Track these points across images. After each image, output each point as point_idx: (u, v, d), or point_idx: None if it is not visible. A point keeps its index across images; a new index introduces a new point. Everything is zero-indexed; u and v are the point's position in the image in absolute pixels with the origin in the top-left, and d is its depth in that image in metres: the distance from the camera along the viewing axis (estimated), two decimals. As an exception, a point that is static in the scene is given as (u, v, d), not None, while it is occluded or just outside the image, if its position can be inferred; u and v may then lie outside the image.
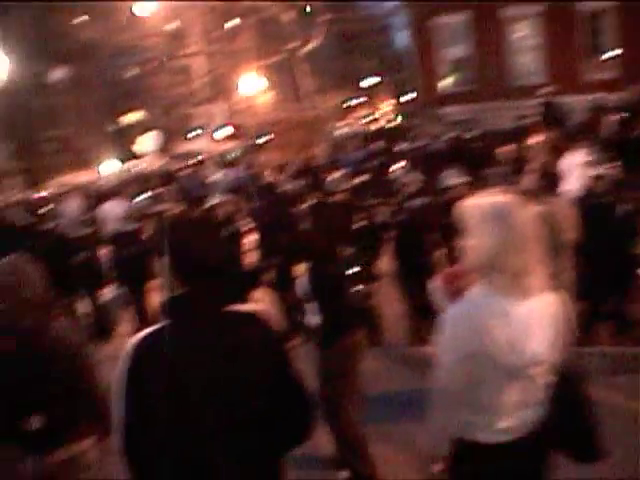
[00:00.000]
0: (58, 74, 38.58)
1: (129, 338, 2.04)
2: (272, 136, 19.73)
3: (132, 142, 38.60)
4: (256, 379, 1.98)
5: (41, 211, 10.46)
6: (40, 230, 10.36)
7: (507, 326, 2.08)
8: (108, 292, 9.36)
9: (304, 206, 5.19)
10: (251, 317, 2.07)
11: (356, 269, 4.02)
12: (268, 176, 13.67)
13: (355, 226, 6.28)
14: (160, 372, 1.91)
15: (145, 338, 1.98)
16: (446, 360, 2.21)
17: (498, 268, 2.12)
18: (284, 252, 6.95)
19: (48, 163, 49.29)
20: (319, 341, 4.10)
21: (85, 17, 28.43)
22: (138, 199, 14.95)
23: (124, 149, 41.35)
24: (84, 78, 45.28)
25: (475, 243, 2.17)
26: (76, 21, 29.43)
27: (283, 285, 7.44)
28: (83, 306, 9.33)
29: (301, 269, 4.21)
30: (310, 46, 27.43)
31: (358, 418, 4.08)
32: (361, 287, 4.12)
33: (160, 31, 26.29)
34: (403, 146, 17.97)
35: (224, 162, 25.36)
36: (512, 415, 2.18)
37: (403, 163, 10.31)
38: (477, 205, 2.20)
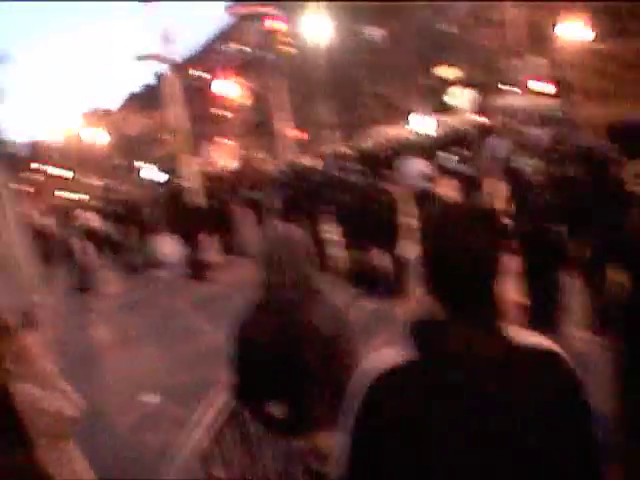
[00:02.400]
0: (377, 32, 39.73)
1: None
2: (600, 91, 17.42)
3: (445, 97, 38.34)
4: (543, 449, 1.38)
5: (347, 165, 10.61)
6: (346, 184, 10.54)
7: None
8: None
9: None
10: (548, 357, 1.46)
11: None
12: (590, 138, 12.20)
13: None
14: (402, 420, 1.42)
15: (389, 369, 1.49)
16: None
17: None
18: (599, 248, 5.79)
19: (366, 117, 51.90)
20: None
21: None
22: (442, 157, 14.58)
23: (437, 104, 41.40)
24: (401, 34, 46.25)
25: None
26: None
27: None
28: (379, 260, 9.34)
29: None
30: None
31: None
32: None
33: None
34: None
35: (541, 120, 23.70)
36: None
37: None
38: None
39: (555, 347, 1.48)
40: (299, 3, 29.32)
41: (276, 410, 2.66)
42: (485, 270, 1.47)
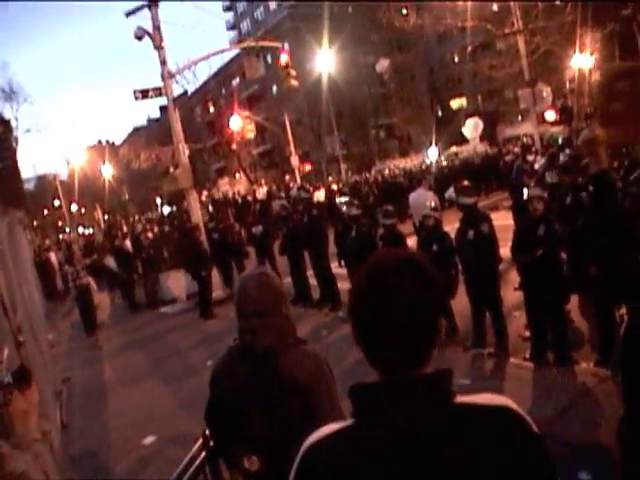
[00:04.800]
0: (384, 64, 40.08)
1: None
2: (610, 116, 17.30)
3: (457, 128, 38.51)
4: None
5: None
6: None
7: None
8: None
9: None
10: (497, 415, 1.30)
11: None
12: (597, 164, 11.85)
13: None
14: None
15: (324, 437, 1.36)
16: None
17: None
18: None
19: (376, 149, 52.04)
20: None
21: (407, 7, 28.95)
22: (448, 190, 14.41)
23: (449, 135, 41.45)
24: (409, 66, 46.58)
25: None
26: (399, 11, 30.10)
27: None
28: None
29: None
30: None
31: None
32: None
33: (480, 14, 25.38)
34: None
35: (552, 147, 23.39)
36: None
37: None
38: None
39: (506, 402, 1.33)
40: (302, 36, 29.47)
41: (251, 464, 2.46)
42: (419, 330, 1.32)
